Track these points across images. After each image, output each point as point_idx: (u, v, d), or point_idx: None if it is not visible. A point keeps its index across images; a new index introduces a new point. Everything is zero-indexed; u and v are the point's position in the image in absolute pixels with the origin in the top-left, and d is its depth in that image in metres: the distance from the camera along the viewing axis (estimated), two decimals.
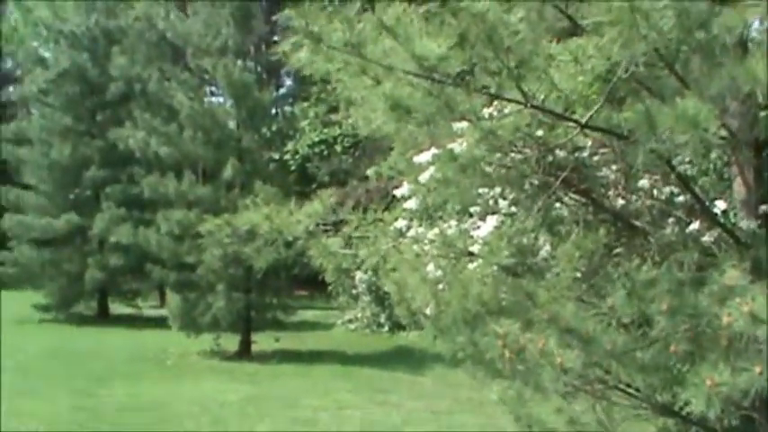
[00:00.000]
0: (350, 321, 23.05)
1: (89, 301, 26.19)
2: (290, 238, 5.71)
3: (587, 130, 4.62)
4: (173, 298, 17.77)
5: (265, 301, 17.83)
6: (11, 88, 52.81)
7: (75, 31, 26.91)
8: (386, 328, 21.85)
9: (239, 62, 18.19)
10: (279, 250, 6.01)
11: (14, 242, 26.18)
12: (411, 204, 6.91)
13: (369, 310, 22.45)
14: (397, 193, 7.24)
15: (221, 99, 27.45)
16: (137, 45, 28.07)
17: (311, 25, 3.94)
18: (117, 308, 26.80)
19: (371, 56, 4.08)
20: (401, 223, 6.48)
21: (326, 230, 5.79)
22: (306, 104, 26.30)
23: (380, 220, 5.82)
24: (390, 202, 16.75)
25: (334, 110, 25.28)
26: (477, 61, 4.25)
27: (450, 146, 5.11)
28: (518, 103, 4.34)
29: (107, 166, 25.18)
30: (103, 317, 25.93)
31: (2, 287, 29.92)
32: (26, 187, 26.78)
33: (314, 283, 25.31)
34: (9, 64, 47.22)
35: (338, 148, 25.78)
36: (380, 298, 21.87)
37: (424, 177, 5.95)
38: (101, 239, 24.58)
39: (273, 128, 19.93)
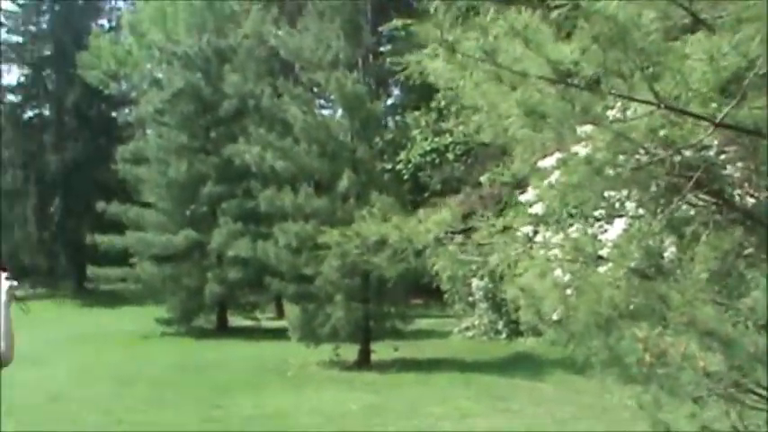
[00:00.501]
0: (467, 329, 22.92)
1: (209, 314, 26.75)
2: (420, 247, 5.70)
3: (718, 128, 4.51)
4: (292, 309, 18.00)
5: (383, 311, 17.87)
6: (126, 110, 54.52)
7: (188, 51, 27.58)
8: (503, 335, 21.66)
9: (351, 74, 18.32)
10: (409, 260, 5.99)
11: (136, 259, 26.92)
12: (536, 209, 6.84)
13: (486, 317, 22.30)
14: (522, 198, 7.17)
15: (330, 111, 27.81)
16: (246, 62, 28.63)
17: (446, 34, 3.94)
18: (235, 320, 27.29)
19: (504, 62, 4.07)
20: (527, 229, 6.43)
21: (452, 238, 5.78)
22: (416, 113, 26.32)
23: (509, 227, 5.78)
24: (503, 209, 16.66)
25: (445, 118, 25.27)
26: (609, 64, 4.19)
27: (574, 149, 5.06)
28: (650, 104, 4.26)
29: (223, 182, 25.68)
30: (223, 329, 26.42)
31: (125, 303, 30.89)
32: (145, 205, 27.53)
33: (428, 292, 25.37)
34: (124, 86, 48.58)
35: (450, 156, 25.69)
36: (497, 305, 21.70)
37: (548, 182, 5.89)
38: (219, 254, 25.07)
39: (386, 138, 20.05)
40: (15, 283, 3.93)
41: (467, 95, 4.60)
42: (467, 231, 5.77)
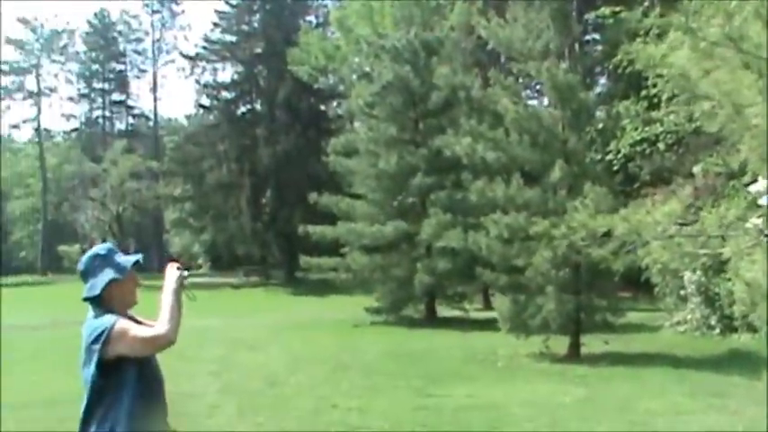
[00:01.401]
0: (678, 323, 22.23)
1: (417, 304, 27.10)
2: (647, 239, 5.59)
3: None
4: (502, 301, 17.95)
5: (594, 303, 17.57)
6: (335, 103, 55.97)
7: (396, 45, 27.95)
8: (716, 331, 20.87)
9: (561, 64, 18.10)
10: (636, 252, 5.90)
11: (347, 249, 27.60)
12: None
13: (698, 311, 21.54)
14: (752, 189, 6.88)
15: (535, 102, 27.56)
16: (454, 54, 28.81)
17: (690, 21, 3.84)
18: (443, 310, 27.52)
19: (747, 49, 3.93)
20: (757, 221, 6.17)
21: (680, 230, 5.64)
22: (626, 102, 25.72)
23: (741, 218, 5.58)
24: (716, 200, 16.00)
25: (655, 107, 24.53)
26: None
27: None
28: None
29: (432, 173, 25.93)
30: (431, 319, 26.70)
31: (334, 292, 31.76)
32: (356, 196, 28.17)
33: (637, 284, 24.74)
34: (333, 81, 49.80)
35: (660, 145, 24.95)
36: (711, 299, 20.96)
37: None
38: (428, 244, 25.35)
39: (596, 128, 19.69)
40: (186, 273, 4.27)
41: (698, 84, 4.47)
42: (687, 224, 5.60)
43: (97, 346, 4.08)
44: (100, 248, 4.45)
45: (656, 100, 23.93)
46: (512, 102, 17.87)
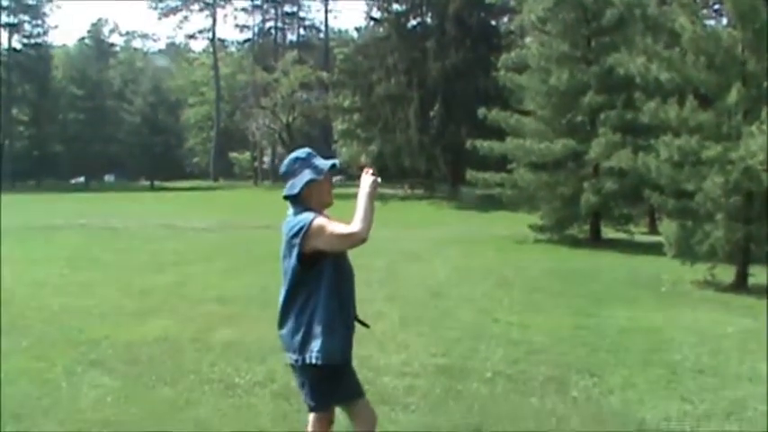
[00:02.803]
0: None
1: (582, 224, 26.97)
2: None
3: None
4: (669, 225, 17.62)
5: (765, 233, 17.04)
6: (506, 18, 55.23)
7: None
8: None
9: None
10: None
11: (514, 165, 27.57)
12: None
13: None
14: None
15: (714, 22, 26.41)
16: None
17: None
18: (608, 232, 27.27)
19: None
20: None
21: None
22: None
23: None
24: None
25: None
26: None
27: None
28: None
29: (603, 92, 25.50)
30: (596, 240, 26.54)
31: (498, 207, 31.83)
32: (525, 113, 27.98)
33: None
34: None
35: None
36: None
37: None
38: (595, 164, 25.06)
39: None
40: (379, 179, 4.68)
41: None
42: None
43: (297, 240, 4.54)
44: (300, 152, 4.86)
45: None
46: (689, 20, 17.25)
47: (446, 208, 45.50)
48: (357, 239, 4.46)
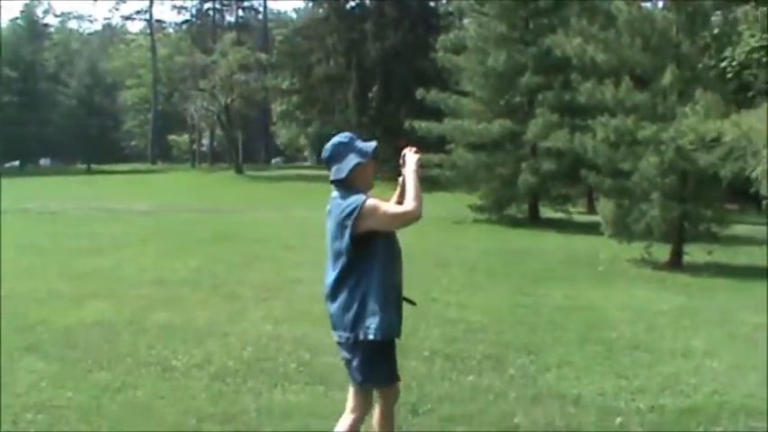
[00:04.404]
0: None
1: (521, 203, 27.18)
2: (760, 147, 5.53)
3: None
4: (606, 204, 17.84)
5: (700, 213, 17.34)
6: (443, 0, 55.28)
7: None
8: None
9: None
10: (745, 159, 5.83)
11: (452, 146, 27.64)
12: None
13: None
14: None
15: (648, 5, 26.69)
16: None
17: None
18: (546, 212, 27.52)
19: None
20: None
21: None
22: (747, 7, 24.77)
23: None
24: None
25: None
26: None
27: None
28: None
29: (540, 73, 25.68)
30: (534, 220, 26.79)
31: (438, 188, 31.90)
32: (463, 94, 28.04)
33: (745, 196, 24.19)
34: None
35: None
36: None
37: None
38: (533, 144, 25.24)
39: (713, 33, 19.06)
40: (420, 156, 4.83)
41: None
42: None
43: (350, 221, 4.58)
44: (342, 137, 4.89)
45: None
46: (625, 3, 17.45)
47: (387, 189, 45.34)
48: (412, 217, 4.53)
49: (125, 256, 16.42)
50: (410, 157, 4.79)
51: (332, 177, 4.78)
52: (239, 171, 59.88)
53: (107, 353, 8.22)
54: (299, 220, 25.37)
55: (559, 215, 27.06)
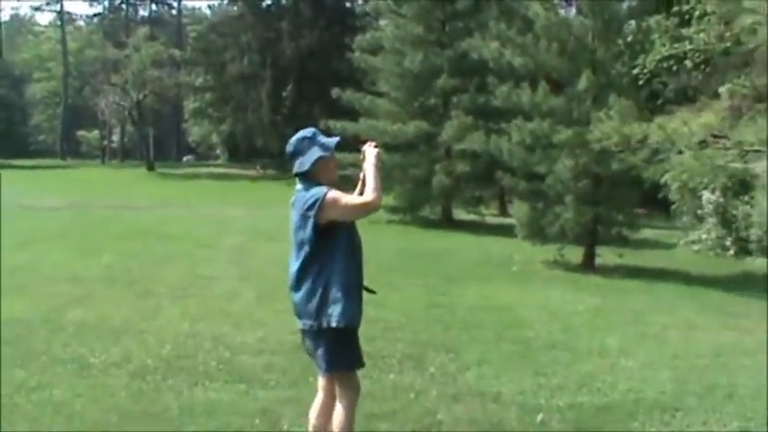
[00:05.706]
0: (693, 242, 22.38)
1: (434, 205, 27.27)
2: (682, 149, 5.63)
3: None
4: (521, 207, 18.03)
5: (612, 216, 17.67)
6: (360, 0, 55.24)
7: None
8: (731, 252, 21.04)
9: None
10: (668, 161, 5.94)
11: None
12: None
13: (714, 232, 21.69)
14: None
15: (563, 11, 27.10)
16: None
17: None
18: (459, 213, 27.69)
19: None
20: None
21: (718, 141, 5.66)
22: (659, 17, 25.37)
23: None
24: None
25: (686, 24, 24.22)
26: None
27: None
28: None
29: (457, 76, 25.85)
30: (448, 221, 26.92)
31: (352, 188, 31.82)
32: (378, 94, 28.05)
33: (653, 202, 24.74)
34: None
35: (688, 63, 24.67)
36: (727, 221, 21.11)
37: None
38: (447, 146, 25.38)
39: (627, 41, 19.47)
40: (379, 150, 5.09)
41: None
42: (721, 137, 5.61)
43: (312, 212, 4.80)
44: (306, 132, 5.08)
45: (687, 17, 23.67)
46: (543, 8, 17.68)
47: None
48: (372, 207, 4.80)
49: (38, 253, 16.00)
50: (370, 151, 5.02)
51: (295, 170, 4.99)
52: (150, 168, 58.89)
53: (22, 351, 8.01)
54: (211, 218, 25.11)
55: (472, 217, 27.26)
